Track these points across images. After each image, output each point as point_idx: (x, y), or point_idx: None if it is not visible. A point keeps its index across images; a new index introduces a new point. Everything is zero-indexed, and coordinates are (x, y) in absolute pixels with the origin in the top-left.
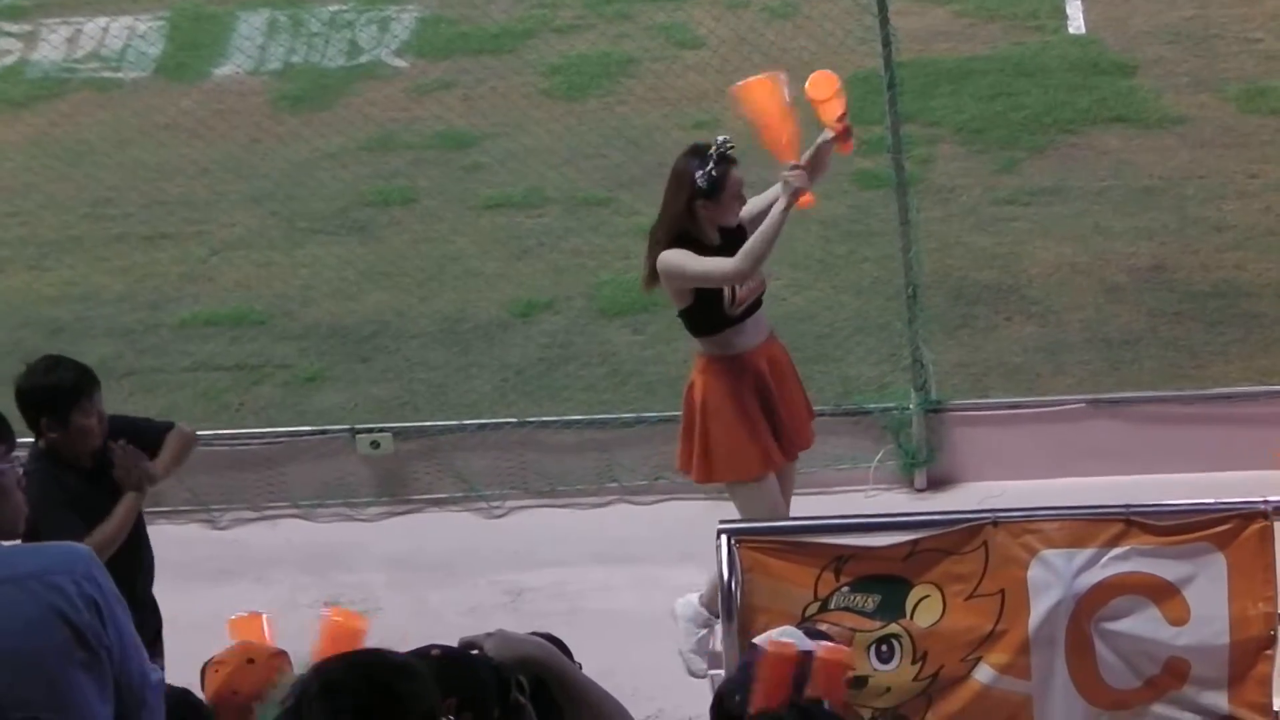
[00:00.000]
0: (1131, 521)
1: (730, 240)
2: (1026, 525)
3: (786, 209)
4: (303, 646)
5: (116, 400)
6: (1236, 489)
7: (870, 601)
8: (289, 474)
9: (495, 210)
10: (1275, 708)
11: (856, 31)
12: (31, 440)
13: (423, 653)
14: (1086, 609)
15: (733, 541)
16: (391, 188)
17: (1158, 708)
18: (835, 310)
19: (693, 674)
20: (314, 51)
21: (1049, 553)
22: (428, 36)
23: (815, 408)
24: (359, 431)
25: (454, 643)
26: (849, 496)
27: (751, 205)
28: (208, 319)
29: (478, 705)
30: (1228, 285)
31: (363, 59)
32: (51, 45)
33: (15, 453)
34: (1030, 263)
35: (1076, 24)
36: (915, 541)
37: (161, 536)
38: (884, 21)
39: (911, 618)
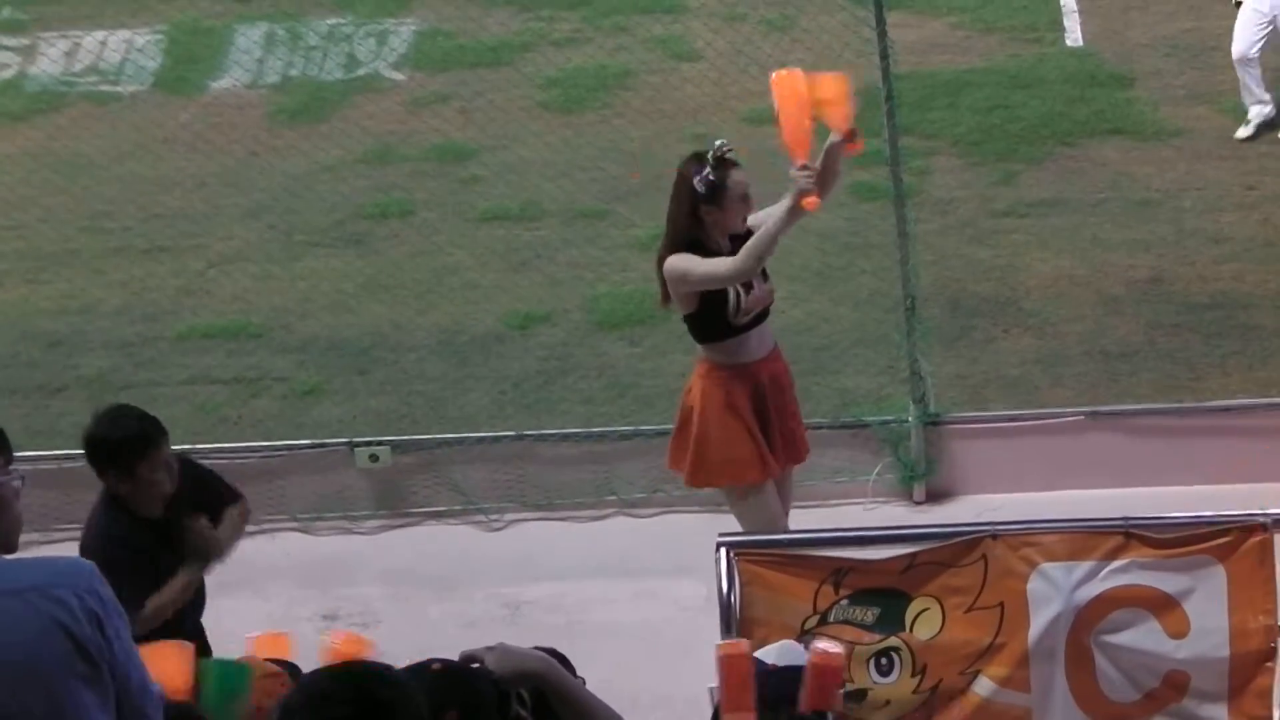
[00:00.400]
0: (1131, 534)
1: (739, 246)
2: (1025, 538)
3: (791, 208)
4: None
5: None
6: (1236, 502)
7: (869, 614)
8: (287, 487)
9: (492, 223)
10: None
11: (854, 44)
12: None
13: (423, 666)
14: (1086, 622)
15: (731, 554)
16: (389, 200)
17: None
18: (833, 322)
19: None
20: (311, 65)
21: (1048, 565)
22: (425, 50)
23: (813, 420)
24: (357, 445)
25: (454, 656)
26: (847, 509)
27: (765, 214)
28: (205, 332)
29: (478, 719)
30: (1225, 297)
31: (360, 72)
32: (50, 59)
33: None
34: (1028, 275)
35: (1074, 36)
36: (914, 554)
37: None
38: (882, 34)
39: (911, 630)
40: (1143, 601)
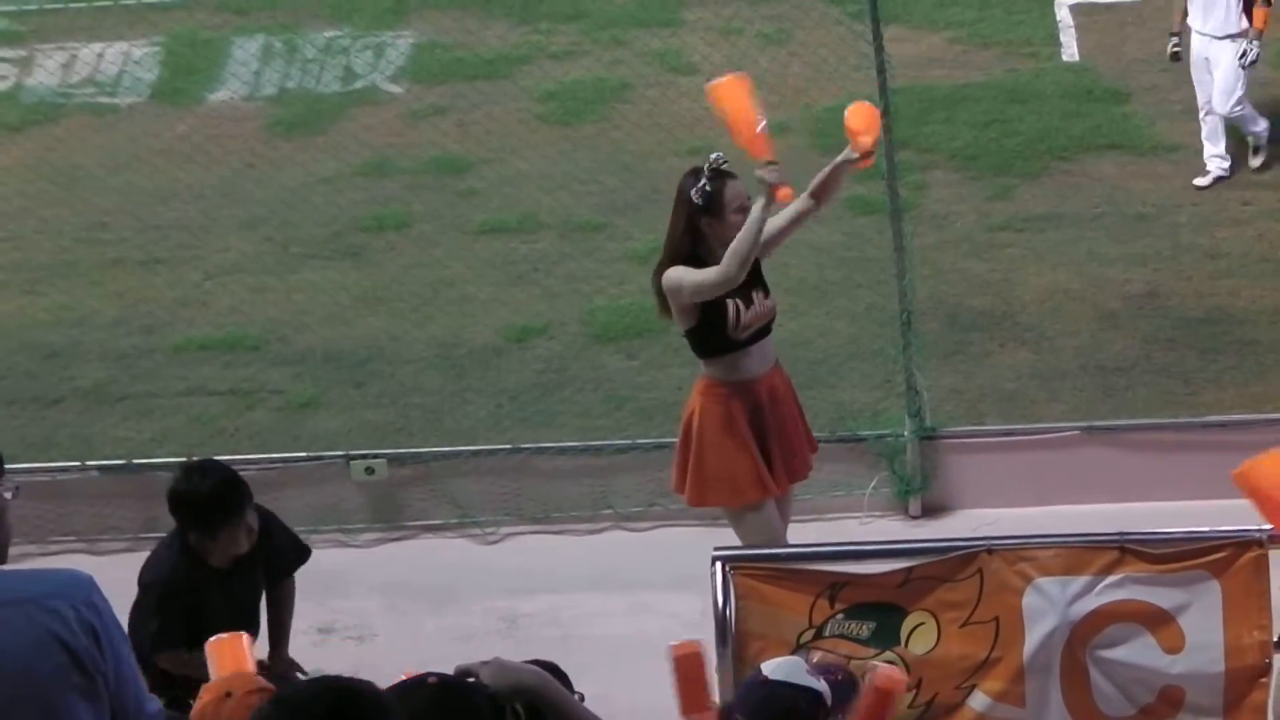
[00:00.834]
0: (1126, 549)
1: None
2: (1021, 553)
3: (766, 206)
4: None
5: (110, 425)
6: (1231, 517)
7: (865, 629)
8: (283, 500)
9: (490, 235)
10: None
11: (850, 58)
12: None
13: (419, 681)
14: (1081, 636)
15: (727, 568)
16: (386, 213)
17: None
18: (829, 337)
19: None
20: (309, 77)
21: (1043, 580)
22: (423, 62)
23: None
24: (353, 457)
25: (450, 670)
26: (843, 523)
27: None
28: (202, 344)
29: None
30: (1221, 312)
31: (358, 84)
32: (47, 70)
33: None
34: (1024, 289)
35: (1070, 52)
36: (910, 569)
37: None
38: (878, 48)
39: (906, 645)
40: (1138, 616)
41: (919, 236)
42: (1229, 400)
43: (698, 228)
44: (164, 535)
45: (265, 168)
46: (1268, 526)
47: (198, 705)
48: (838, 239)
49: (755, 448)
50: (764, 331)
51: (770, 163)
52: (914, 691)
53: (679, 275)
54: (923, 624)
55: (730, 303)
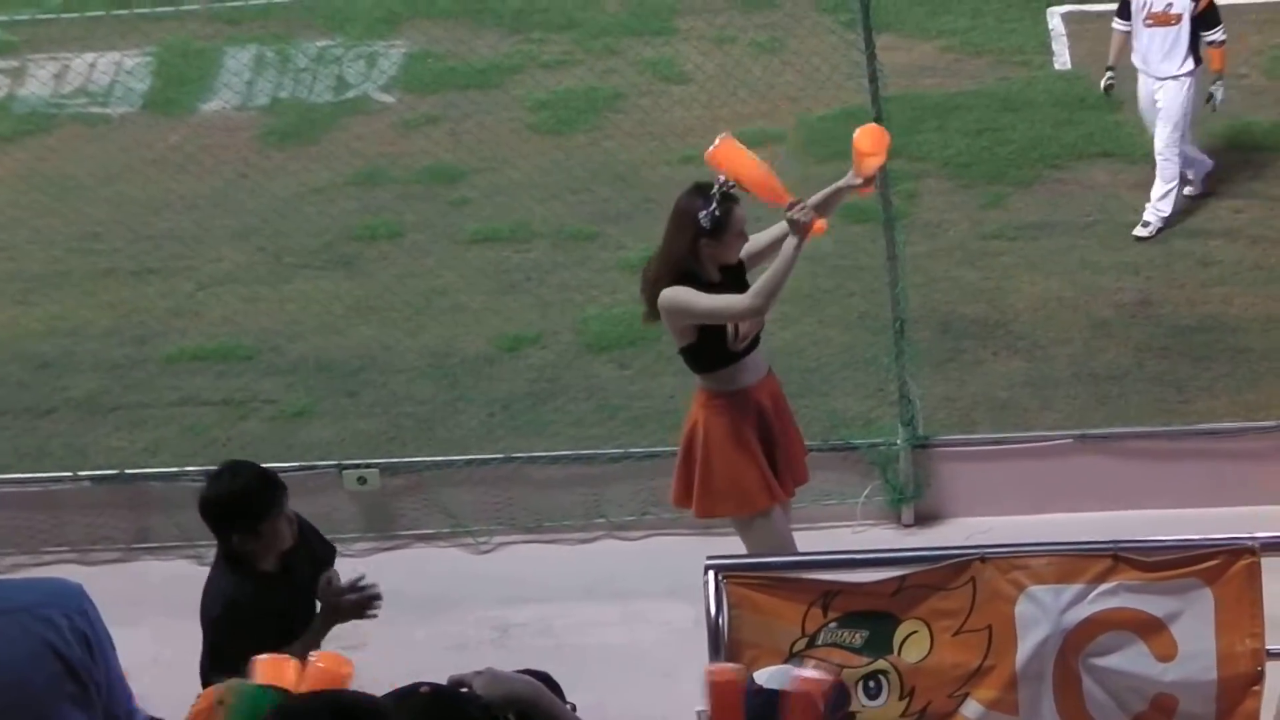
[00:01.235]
0: (1119, 557)
1: (729, 277)
2: (1014, 561)
3: (799, 245)
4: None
5: (102, 435)
6: (1224, 525)
7: (858, 637)
8: None
9: (482, 245)
10: None
11: (843, 66)
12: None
13: (411, 690)
14: (1074, 645)
15: (720, 577)
16: (378, 222)
17: None
18: (822, 345)
19: None
20: (301, 87)
21: (1036, 588)
22: (415, 72)
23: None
24: (346, 467)
25: (443, 680)
26: (836, 532)
27: (753, 242)
28: (194, 354)
29: None
30: (1214, 320)
31: (350, 94)
32: (39, 81)
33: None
34: (1017, 297)
35: (1062, 60)
36: (903, 577)
37: (148, 572)
38: (871, 57)
39: (899, 653)
40: (1131, 624)
41: (911, 245)
42: (1222, 408)
43: (698, 248)
44: (208, 568)
45: (258, 177)
46: (1261, 535)
47: (191, 712)
48: (830, 247)
49: (761, 455)
50: (757, 340)
51: (795, 203)
52: (907, 700)
53: (687, 297)
54: (915, 632)
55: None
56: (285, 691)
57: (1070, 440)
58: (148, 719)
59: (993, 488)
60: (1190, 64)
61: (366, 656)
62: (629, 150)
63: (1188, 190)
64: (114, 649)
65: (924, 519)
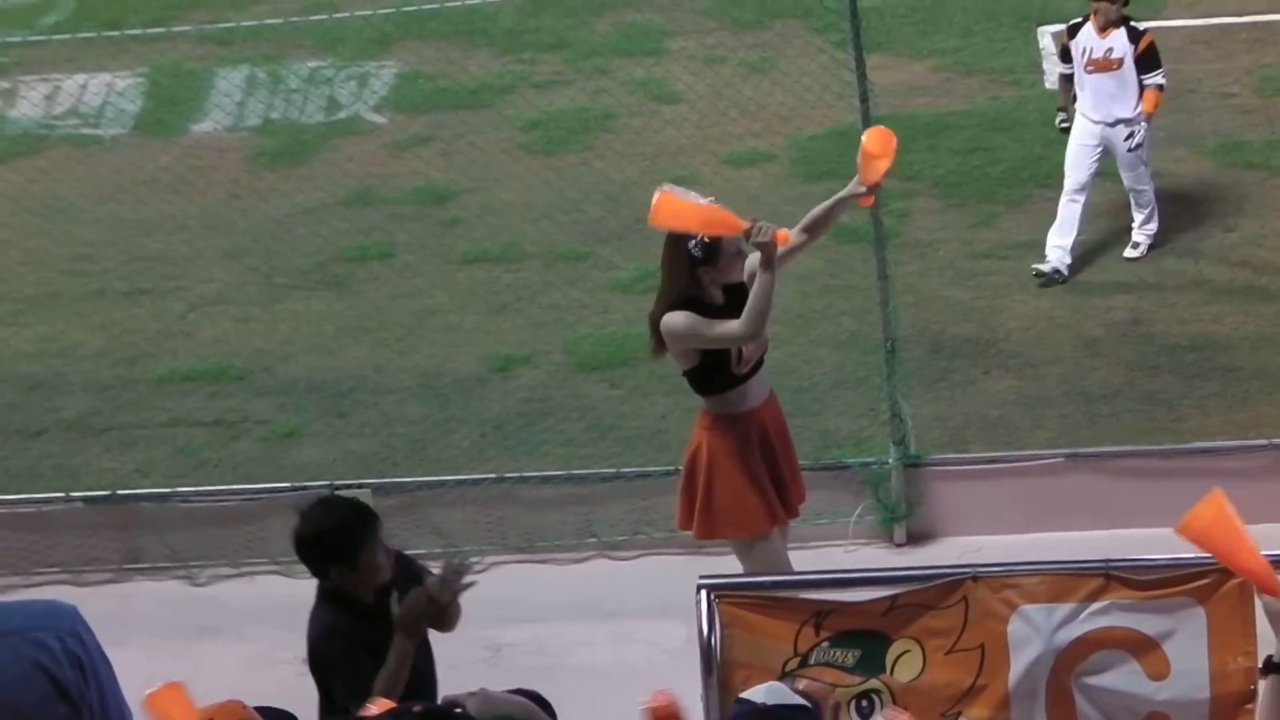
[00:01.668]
0: (1111, 576)
1: (734, 297)
2: (1006, 580)
3: (772, 264)
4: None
5: (93, 456)
6: None
7: (850, 657)
8: (268, 530)
9: (473, 265)
10: None
11: (834, 86)
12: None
13: (404, 711)
14: (1067, 663)
15: (712, 596)
16: (370, 243)
17: None
18: (813, 364)
19: None
20: (292, 107)
21: (1029, 607)
22: (406, 92)
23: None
24: (337, 487)
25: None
26: (828, 551)
27: (754, 262)
28: (186, 375)
29: None
30: (1205, 339)
31: (341, 115)
32: (30, 102)
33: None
34: (1008, 316)
35: (1053, 79)
36: (895, 596)
37: (140, 593)
38: (861, 76)
39: (891, 673)
40: (1123, 643)
41: (902, 264)
42: (1213, 426)
43: (697, 276)
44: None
45: (249, 198)
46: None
47: None
48: (821, 267)
49: (766, 478)
50: (759, 363)
51: (751, 227)
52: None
53: (690, 324)
54: (908, 651)
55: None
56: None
57: (1062, 459)
58: None
59: (985, 507)
60: (1138, 106)
61: None
62: (620, 170)
63: (1132, 254)
64: (110, 671)
65: (916, 538)
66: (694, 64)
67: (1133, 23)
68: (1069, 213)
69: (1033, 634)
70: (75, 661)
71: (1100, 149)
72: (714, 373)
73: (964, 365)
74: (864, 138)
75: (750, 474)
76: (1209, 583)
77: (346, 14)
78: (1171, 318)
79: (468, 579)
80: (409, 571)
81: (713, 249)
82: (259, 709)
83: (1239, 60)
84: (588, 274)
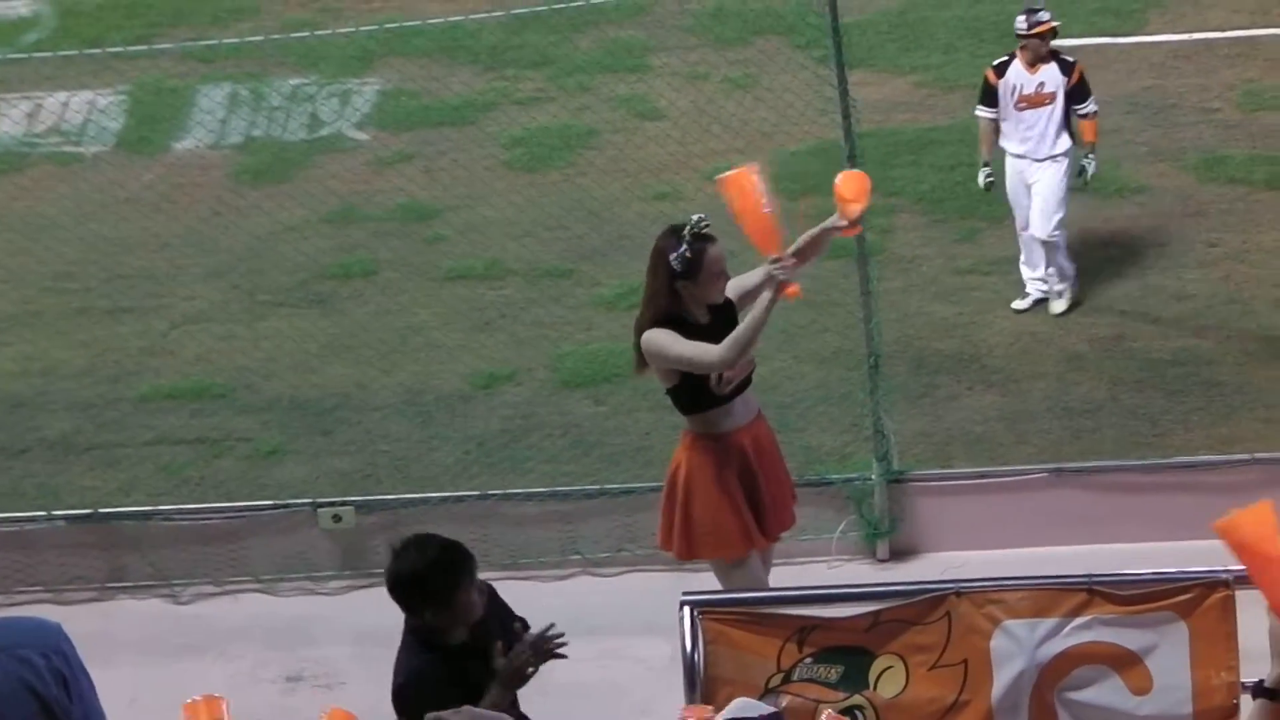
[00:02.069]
0: (1094, 591)
1: (719, 317)
2: (989, 595)
3: (772, 302)
4: None
5: (76, 474)
6: (1199, 558)
7: (833, 672)
8: (251, 548)
9: (457, 282)
10: None
11: (816, 103)
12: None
13: None
14: (1050, 679)
15: (695, 613)
16: (353, 260)
17: None
18: (797, 380)
19: None
20: (275, 125)
21: (1012, 623)
22: (389, 109)
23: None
24: (320, 505)
25: None
26: (811, 567)
27: (741, 281)
28: (168, 393)
29: None
30: (1188, 354)
31: (324, 132)
32: (11, 120)
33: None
34: (991, 332)
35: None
36: (878, 612)
37: (123, 612)
38: (844, 93)
39: (875, 688)
40: (1106, 658)
41: (885, 280)
42: (1196, 442)
43: (676, 290)
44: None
45: (232, 216)
46: (1235, 567)
47: None
48: (804, 283)
49: (743, 501)
50: (745, 383)
51: (778, 259)
52: None
53: (664, 341)
54: (891, 667)
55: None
56: None
57: (1045, 474)
58: None
59: (968, 522)
60: (1067, 142)
61: (345, 695)
62: (603, 187)
63: (1057, 308)
64: (93, 688)
65: (899, 554)
66: (677, 80)
67: (1062, 55)
68: (1031, 243)
69: (1016, 649)
70: (60, 679)
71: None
72: (695, 392)
73: (947, 381)
74: (837, 182)
75: (728, 495)
76: (1191, 598)
77: (329, 31)
78: (1154, 333)
79: (560, 650)
80: (497, 606)
81: (694, 263)
82: None
83: (1221, 75)
84: (571, 291)
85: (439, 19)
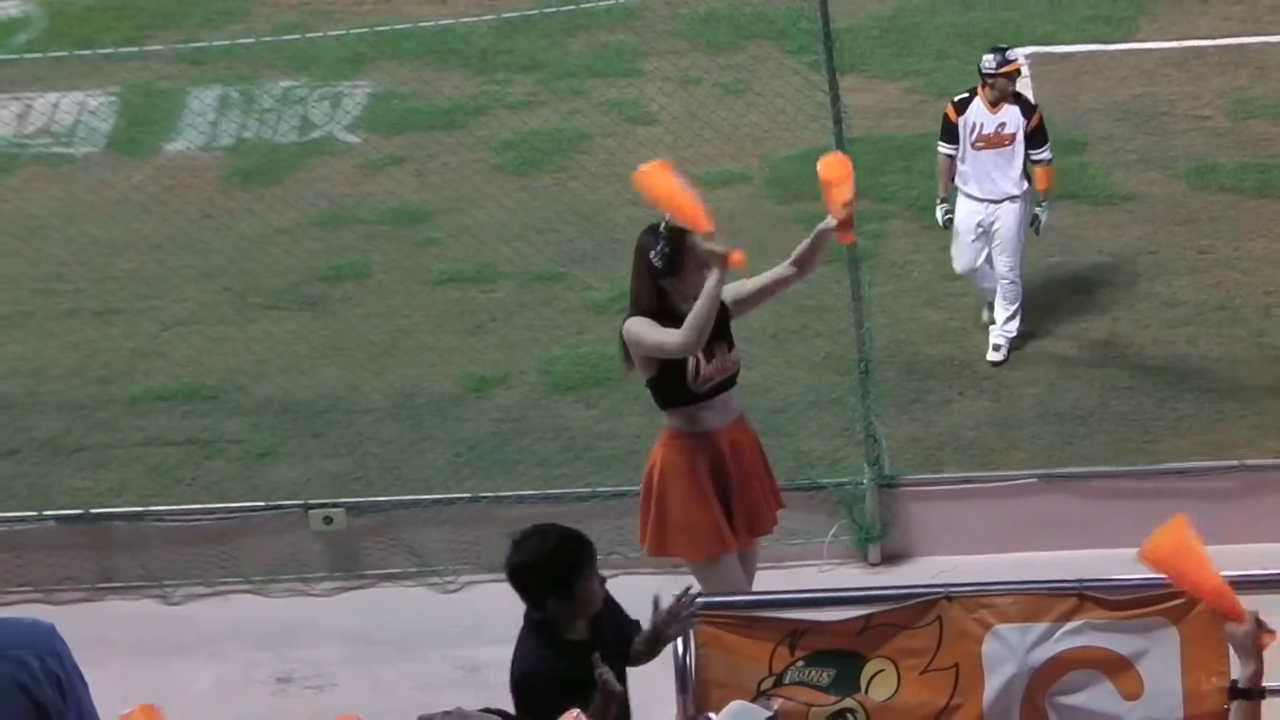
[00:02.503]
0: (1085, 596)
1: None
2: (980, 600)
3: (720, 277)
4: None
5: (66, 475)
6: None
7: (825, 676)
8: (241, 549)
9: (448, 285)
10: None
11: (808, 108)
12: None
13: None
14: (1040, 683)
15: None
16: (344, 263)
17: None
18: (788, 385)
19: None
20: (266, 127)
21: (1003, 627)
22: (380, 112)
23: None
24: (312, 507)
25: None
26: (803, 571)
27: (738, 288)
28: (159, 394)
29: None
30: (1179, 360)
31: (315, 134)
32: (2, 121)
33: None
34: (982, 338)
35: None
36: (869, 616)
37: (114, 613)
38: (835, 98)
39: (866, 692)
40: (1097, 663)
41: (877, 285)
42: (1187, 447)
43: (660, 287)
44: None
45: (222, 218)
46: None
47: None
48: (795, 288)
49: (715, 501)
50: (727, 384)
51: (711, 235)
52: None
53: (641, 329)
54: (882, 671)
55: (689, 356)
56: None
57: (1036, 479)
58: None
59: (959, 527)
60: (1025, 183)
61: (335, 696)
62: (594, 191)
63: (994, 358)
64: (86, 688)
65: (890, 558)
66: (668, 85)
67: (1024, 97)
68: (985, 293)
69: (1007, 654)
70: (54, 680)
71: (983, 233)
72: (671, 387)
73: (938, 386)
74: (819, 167)
75: (701, 494)
76: (1182, 603)
77: (320, 34)
78: (1146, 339)
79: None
80: (611, 608)
81: (674, 260)
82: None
83: (1211, 83)
84: (562, 294)
85: (430, 22)
